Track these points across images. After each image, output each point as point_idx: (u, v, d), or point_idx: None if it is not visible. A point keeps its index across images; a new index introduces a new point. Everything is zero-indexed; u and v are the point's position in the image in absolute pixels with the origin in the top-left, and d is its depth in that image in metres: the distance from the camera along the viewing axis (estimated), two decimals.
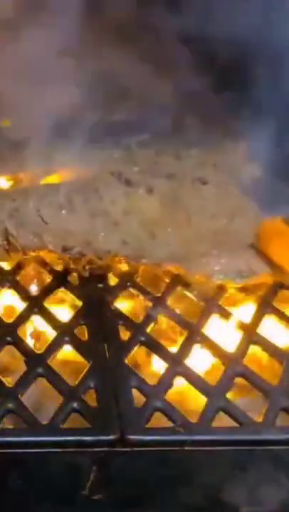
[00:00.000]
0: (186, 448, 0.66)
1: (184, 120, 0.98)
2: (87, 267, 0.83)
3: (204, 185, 0.93)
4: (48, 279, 0.82)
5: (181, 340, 0.76)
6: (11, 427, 0.67)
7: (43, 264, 0.83)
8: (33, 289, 0.82)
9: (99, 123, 0.96)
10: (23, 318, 0.77)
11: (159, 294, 0.81)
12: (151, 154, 0.98)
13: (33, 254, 0.84)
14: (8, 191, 0.94)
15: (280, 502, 0.67)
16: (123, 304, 0.80)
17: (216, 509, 0.67)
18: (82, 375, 0.71)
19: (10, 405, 0.67)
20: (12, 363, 0.74)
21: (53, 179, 0.96)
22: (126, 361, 0.73)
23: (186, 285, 0.81)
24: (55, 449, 0.65)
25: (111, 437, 0.66)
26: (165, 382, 0.71)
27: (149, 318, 0.78)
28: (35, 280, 0.83)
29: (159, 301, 0.80)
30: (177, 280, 0.82)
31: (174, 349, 0.75)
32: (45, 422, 0.66)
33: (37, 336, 0.77)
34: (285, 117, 0.92)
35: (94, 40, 0.99)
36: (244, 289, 0.82)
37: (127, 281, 0.82)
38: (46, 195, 0.88)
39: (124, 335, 0.76)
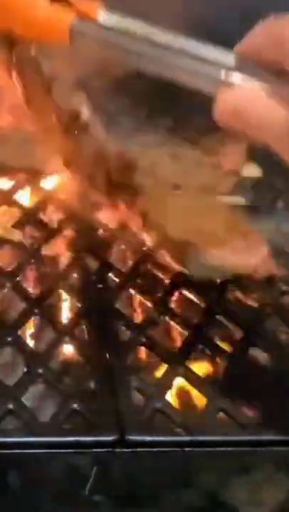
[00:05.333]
0: (186, 449, 0.66)
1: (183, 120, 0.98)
2: None
3: None
4: (48, 279, 0.82)
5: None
6: (11, 427, 0.67)
7: (44, 264, 0.83)
8: (33, 289, 0.81)
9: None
10: (23, 318, 0.77)
11: (160, 295, 0.81)
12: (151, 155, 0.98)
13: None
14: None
15: (280, 503, 0.67)
16: (123, 305, 0.80)
17: (216, 510, 0.67)
18: (82, 375, 0.71)
19: (10, 405, 0.67)
20: (12, 363, 0.74)
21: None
22: (126, 361, 0.72)
23: (187, 286, 0.82)
24: (55, 449, 0.65)
25: (111, 438, 0.65)
26: (165, 382, 0.71)
27: (149, 319, 0.78)
28: (35, 281, 0.83)
29: (159, 302, 0.79)
30: (178, 281, 0.82)
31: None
32: (45, 422, 0.66)
33: (37, 336, 0.77)
34: None
35: None
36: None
37: (127, 281, 0.82)
38: None
39: (124, 335, 0.75)
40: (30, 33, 0.70)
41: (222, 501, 0.66)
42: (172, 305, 0.80)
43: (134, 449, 0.65)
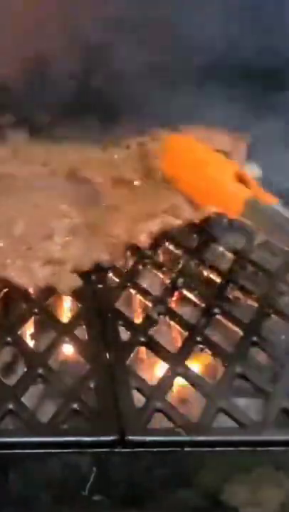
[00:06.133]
0: (186, 449, 0.66)
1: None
2: None
3: None
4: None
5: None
6: (11, 427, 0.67)
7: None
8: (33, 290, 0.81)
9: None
10: (23, 318, 0.77)
11: (160, 295, 0.81)
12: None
13: None
14: None
15: (280, 503, 0.67)
16: (123, 305, 0.80)
17: (216, 510, 0.67)
18: (82, 375, 0.71)
19: (10, 405, 0.67)
20: (12, 362, 0.74)
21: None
22: (126, 362, 0.72)
23: (187, 286, 0.82)
24: (55, 449, 0.65)
25: (111, 438, 0.65)
26: (165, 382, 0.71)
27: (149, 319, 0.78)
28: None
29: (159, 302, 0.80)
30: (178, 281, 0.82)
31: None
32: (45, 422, 0.66)
33: (37, 336, 0.77)
34: None
35: None
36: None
37: (127, 281, 0.82)
38: None
39: (124, 335, 0.75)
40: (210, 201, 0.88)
41: (222, 501, 0.66)
42: (172, 305, 0.80)
43: (134, 449, 0.65)
